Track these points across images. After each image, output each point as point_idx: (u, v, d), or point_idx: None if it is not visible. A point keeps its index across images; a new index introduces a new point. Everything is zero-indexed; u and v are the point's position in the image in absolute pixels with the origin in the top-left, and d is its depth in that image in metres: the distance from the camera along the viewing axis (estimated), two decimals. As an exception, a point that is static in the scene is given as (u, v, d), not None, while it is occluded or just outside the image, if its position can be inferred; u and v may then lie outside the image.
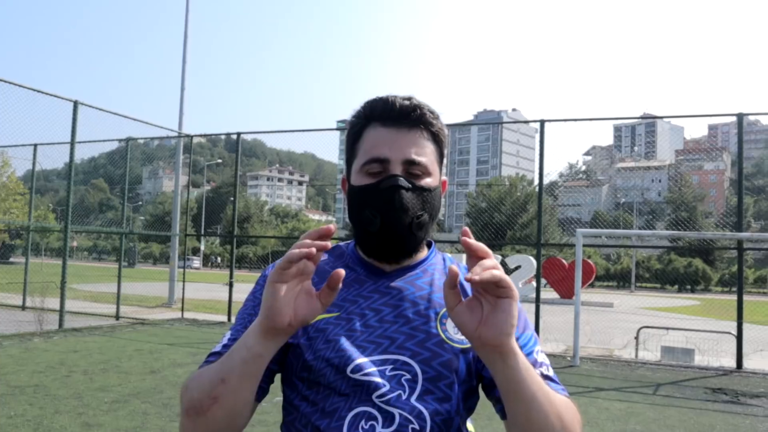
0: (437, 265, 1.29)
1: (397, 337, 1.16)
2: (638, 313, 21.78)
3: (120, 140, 16.13)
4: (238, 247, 65.99)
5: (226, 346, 1.18)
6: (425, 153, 1.20)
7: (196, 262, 61.08)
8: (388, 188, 1.15)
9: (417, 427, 1.10)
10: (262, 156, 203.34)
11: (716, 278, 53.03)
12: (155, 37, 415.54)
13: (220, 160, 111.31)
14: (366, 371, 1.12)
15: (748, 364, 10.82)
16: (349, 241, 1.33)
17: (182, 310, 15.49)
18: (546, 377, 1.15)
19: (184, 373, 8.16)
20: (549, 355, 11.09)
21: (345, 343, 1.15)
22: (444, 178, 1.29)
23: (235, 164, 16.19)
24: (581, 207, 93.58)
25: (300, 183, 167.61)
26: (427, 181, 1.20)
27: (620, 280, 55.05)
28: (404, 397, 1.11)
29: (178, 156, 19.32)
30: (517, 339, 1.11)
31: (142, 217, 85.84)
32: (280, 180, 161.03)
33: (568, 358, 10.75)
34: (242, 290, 18.26)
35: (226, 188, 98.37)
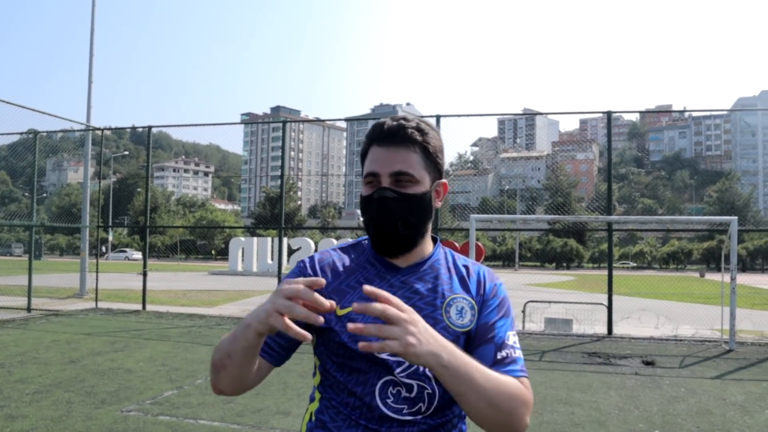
0: (441, 260, 1.46)
1: None
2: (523, 289, 22.73)
3: (22, 133, 15.17)
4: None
5: None
6: (412, 164, 1.36)
7: (137, 254, 58.08)
8: (377, 199, 1.35)
9: (430, 390, 1.32)
10: (167, 147, 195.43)
11: (587, 256, 56.21)
12: (61, 28, 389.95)
13: (126, 152, 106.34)
14: (388, 354, 1.30)
15: (617, 330, 11.67)
16: (367, 237, 1.47)
17: (96, 299, 14.84)
18: (503, 360, 1.31)
19: (104, 361, 7.88)
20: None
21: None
22: (443, 181, 1.45)
23: (146, 157, 15.63)
24: (470, 194, 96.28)
25: (206, 174, 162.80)
26: (414, 189, 1.36)
27: (505, 259, 57.38)
28: (420, 371, 1.31)
29: (87, 149, 18.36)
30: (495, 323, 1.36)
31: (47, 209, 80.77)
32: (186, 171, 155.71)
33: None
34: (155, 279, 17.63)
35: (132, 179, 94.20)
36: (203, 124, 15.85)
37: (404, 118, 1.39)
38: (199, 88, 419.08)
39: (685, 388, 7.10)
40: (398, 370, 1.31)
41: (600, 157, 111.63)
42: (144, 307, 14.12)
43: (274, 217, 57.47)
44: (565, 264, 55.86)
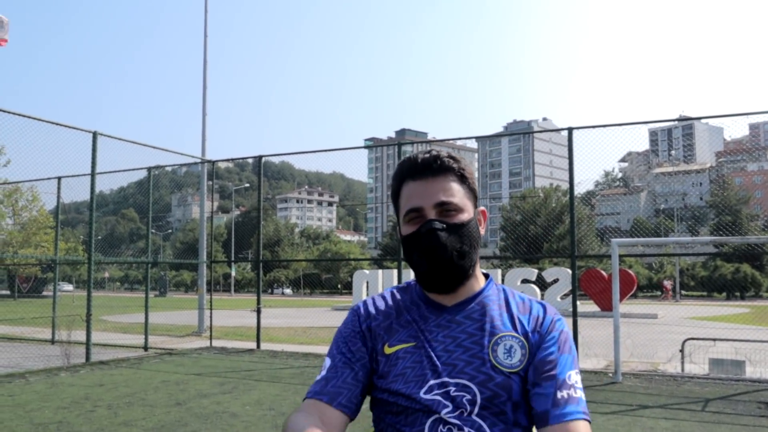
0: (492, 296, 1.52)
1: (457, 364, 1.41)
2: (684, 324, 21.19)
3: (143, 169, 16.30)
4: (269, 271, 66.40)
5: (328, 371, 1.48)
6: (453, 193, 1.45)
7: (67, 286, 60.91)
8: (426, 232, 1.41)
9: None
10: (290, 178, 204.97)
11: (767, 284, 51.61)
12: (176, 64, 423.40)
13: (248, 185, 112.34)
14: (435, 393, 1.38)
15: (804, 374, 10.40)
16: (414, 280, 1.57)
17: (210, 338, 15.49)
18: (564, 401, 1.34)
19: (210, 404, 8.09)
20: (590, 372, 10.84)
21: (419, 369, 1.42)
22: (482, 208, 1.54)
23: (258, 187, 16.22)
24: (620, 215, 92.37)
25: (330, 204, 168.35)
26: (460, 217, 1.44)
27: (662, 290, 53.84)
28: (465, 414, 1.35)
29: (203, 182, 19.47)
30: (557, 359, 1.40)
31: (172, 245, 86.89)
32: (309, 201, 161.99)
33: (610, 375, 10.43)
34: (271, 315, 18.22)
35: (255, 212, 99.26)
36: (318, 151, 16.40)
37: (434, 149, 1.48)
38: (322, 117, 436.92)
39: None
40: (445, 411, 1.36)
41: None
42: (258, 346, 14.53)
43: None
44: (738, 293, 51.60)
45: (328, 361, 1.51)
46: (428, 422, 1.37)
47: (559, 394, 1.34)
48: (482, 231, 1.50)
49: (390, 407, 1.43)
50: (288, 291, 64.11)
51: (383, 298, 1.58)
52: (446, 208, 1.42)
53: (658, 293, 53.43)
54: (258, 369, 11.45)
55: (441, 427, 1.36)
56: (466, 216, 1.45)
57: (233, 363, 12.22)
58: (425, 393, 1.39)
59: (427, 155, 1.46)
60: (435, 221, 1.41)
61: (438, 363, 1.41)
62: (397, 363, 1.44)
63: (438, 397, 1.38)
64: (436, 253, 1.40)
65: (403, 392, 1.40)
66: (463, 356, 1.41)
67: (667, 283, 49.65)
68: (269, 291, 65.27)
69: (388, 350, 1.46)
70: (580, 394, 1.37)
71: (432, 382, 1.39)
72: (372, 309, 1.55)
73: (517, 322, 1.46)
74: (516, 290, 1.56)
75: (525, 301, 1.52)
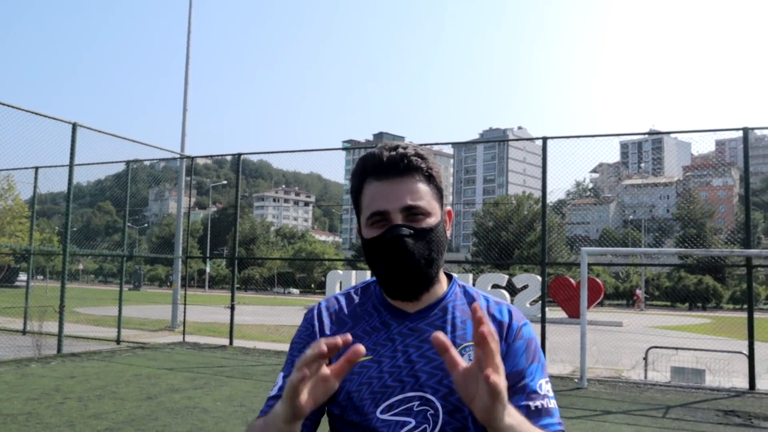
0: (456, 302, 1.40)
1: (420, 376, 1.30)
2: (647, 333, 21.49)
3: (122, 162, 16.11)
4: (244, 268, 65.98)
5: (279, 390, 1.31)
6: (421, 196, 1.31)
7: (296, 290, 62.38)
8: (392, 238, 1.28)
9: None
10: (268, 177, 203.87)
11: (727, 295, 52.50)
12: (158, 58, 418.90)
13: (225, 182, 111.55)
14: (393, 412, 1.28)
15: (761, 384, 10.57)
16: (375, 279, 1.43)
17: (183, 333, 15.35)
18: (537, 413, 1.25)
19: (181, 398, 8.01)
20: (556, 377, 10.94)
21: (378, 385, 1.30)
22: (448, 208, 1.41)
23: (236, 184, 16.12)
24: (589, 225, 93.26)
25: (306, 204, 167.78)
26: (428, 222, 1.32)
27: (630, 298, 54.52)
28: (428, 430, 1.26)
29: (181, 177, 19.29)
30: (525, 370, 1.29)
31: (148, 239, 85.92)
32: (286, 201, 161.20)
33: (576, 380, 10.53)
34: (245, 312, 18.11)
35: (232, 210, 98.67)
36: (297, 151, 16.33)
37: (399, 145, 1.34)
38: (301, 118, 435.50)
39: None
40: (406, 429, 1.27)
41: (741, 183, 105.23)
42: (231, 342, 14.43)
43: (374, 249, 57.83)
44: (700, 304, 52.42)
45: (280, 378, 1.36)
46: None
47: (532, 406, 1.25)
48: (448, 233, 1.38)
49: (345, 427, 1.33)
50: (295, 291, 63.68)
51: (338, 303, 1.44)
52: (413, 212, 1.30)
53: (624, 302, 54.10)
54: (230, 365, 11.37)
55: None
56: (434, 220, 1.32)
57: (205, 359, 12.12)
58: (382, 413, 1.29)
59: (393, 153, 1.31)
60: (402, 227, 1.28)
61: (400, 376, 1.30)
62: (352, 379, 1.32)
63: (396, 417, 1.27)
64: (402, 261, 1.28)
65: (358, 411, 1.29)
66: (426, 368, 1.30)
67: (639, 292, 50.32)
68: (243, 288, 64.81)
69: None
70: (553, 404, 1.28)
71: (393, 399, 1.29)
72: (326, 316, 1.41)
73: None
74: (481, 290, 1.45)
75: (490, 304, 1.40)
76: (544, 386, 1.29)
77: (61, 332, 12.17)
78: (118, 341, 14.32)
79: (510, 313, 1.38)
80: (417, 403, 1.28)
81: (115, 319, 15.00)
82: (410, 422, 1.26)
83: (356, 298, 1.44)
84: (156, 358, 11.87)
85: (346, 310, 1.41)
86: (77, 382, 8.96)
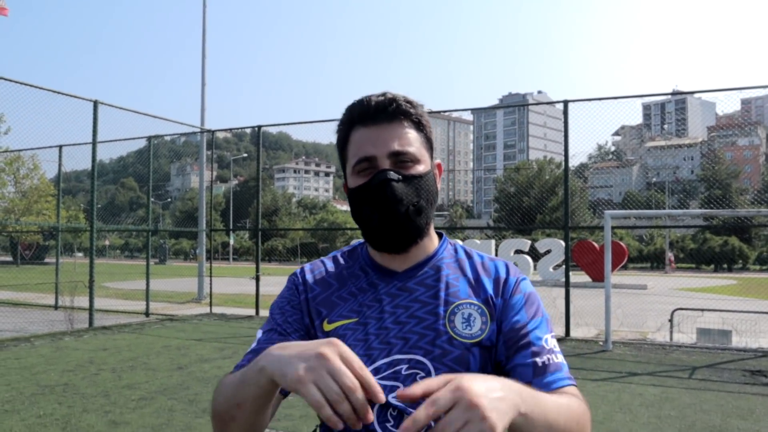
0: (447, 259, 1.34)
1: (410, 337, 1.23)
2: (673, 295, 21.39)
3: (143, 138, 16.23)
4: (267, 240, 66.50)
5: (260, 344, 1.25)
6: (410, 142, 1.25)
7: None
8: (378, 183, 1.22)
9: None
10: (288, 148, 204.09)
11: (754, 256, 51.92)
12: (175, 32, 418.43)
13: (245, 155, 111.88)
14: (381, 375, 1.20)
15: (788, 343, 10.53)
16: (362, 242, 1.40)
17: (210, 305, 15.59)
18: (545, 368, 1.19)
19: (211, 368, 8.18)
20: (581, 340, 10.97)
21: (362, 348, 1.23)
22: (437, 161, 1.35)
23: (257, 157, 16.16)
24: (612, 188, 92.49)
25: (327, 174, 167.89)
26: (417, 169, 1.26)
27: (654, 261, 54.15)
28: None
29: (202, 151, 19.39)
30: (527, 324, 1.24)
31: (172, 214, 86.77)
32: (306, 172, 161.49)
33: (600, 343, 10.55)
34: (270, 283, 18.35)
35: (253, 182, 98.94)
36: (314, 121, 16.34)
37: (387, 92, 1.27)
38: (320, 88, 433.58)
39: None
40: (393, 395, 1.18)
41: (767, 142, 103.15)
42: (257, 313, 14.62)
43: (396, 217, 57.91)
44: (726, 266, 51.92)
45: (259, 333, 1.30)
46: (376, 407, 1.17)
47: (539, 361, 1.19)
48: (438, 186, 1.32)
49: None
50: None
51: (324, 264, 1.39)
52: (402, 159, 1.23)
53: (648, 265, 53.73)
54: (257, 335, 11.54)
55: (391, 410, 1.19)
56: (423, 168, 1.26)
57: (233, 329, 12.32)
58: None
59: (381, 98, 1.26)
60: (389, 171, 1.22)
61: (387, 338, 1.23)
62: None
63: (383, 382, 1.19)
64: (390, 207, 1.22)
65: None
66: (416, 328, 1.23)
67: (671, 255, 49.90)
68: (267, 259, 65.40)
69: (327, 327, 1.27)
70: (560, 358, 1.22)
71: (380, 362, 1.22)
72: (310, 279, 1.35)
73: (476, 286, 1.29)
74: (475, 249, 1.38)
75: (485, 261, 1.34)
76: (550, 341, 1.23)
77: (92, 306, 12.42)
78: (147, 314, 14.59)
79: (507, 268, 1.33)
80: (405, 366, 1.21)
81: (143, 293, 15.25)
82: (398, 387, 1.19)
83: (342, 261, 1.39)
84: (184, 330, 12.09)
85: (330, 273, 1.36)
86: (110, 354, 9.17)
